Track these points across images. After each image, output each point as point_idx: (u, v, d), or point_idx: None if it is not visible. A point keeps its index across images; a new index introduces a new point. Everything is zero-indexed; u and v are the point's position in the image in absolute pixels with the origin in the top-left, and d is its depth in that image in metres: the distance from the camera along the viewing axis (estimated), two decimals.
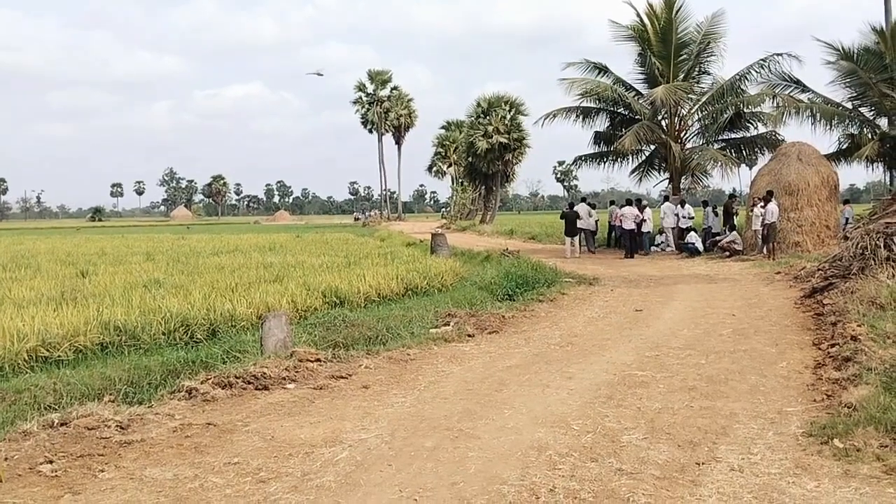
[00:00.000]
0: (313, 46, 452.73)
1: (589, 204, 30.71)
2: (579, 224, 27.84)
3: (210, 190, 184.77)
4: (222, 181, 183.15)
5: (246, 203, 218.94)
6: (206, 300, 13.03)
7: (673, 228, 28.84)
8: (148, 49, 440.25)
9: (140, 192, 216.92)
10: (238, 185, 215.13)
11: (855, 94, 28.47)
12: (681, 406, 7.20)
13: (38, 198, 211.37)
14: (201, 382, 8.01)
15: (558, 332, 11.75)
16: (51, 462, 5.72)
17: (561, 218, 29.55)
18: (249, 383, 8.11)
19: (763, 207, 22.65)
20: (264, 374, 8.30)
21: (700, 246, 26.12)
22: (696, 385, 8.03)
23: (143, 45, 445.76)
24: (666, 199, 30.85)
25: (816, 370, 8.47)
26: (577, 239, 27.83)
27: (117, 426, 6.56)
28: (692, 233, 26.94)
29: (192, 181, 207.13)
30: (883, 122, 28.40)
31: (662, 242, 29.08)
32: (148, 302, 12.89)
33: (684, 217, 28.55)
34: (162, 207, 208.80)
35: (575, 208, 28.37)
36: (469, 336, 11.26)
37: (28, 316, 11.28)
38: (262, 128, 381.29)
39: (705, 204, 29.96)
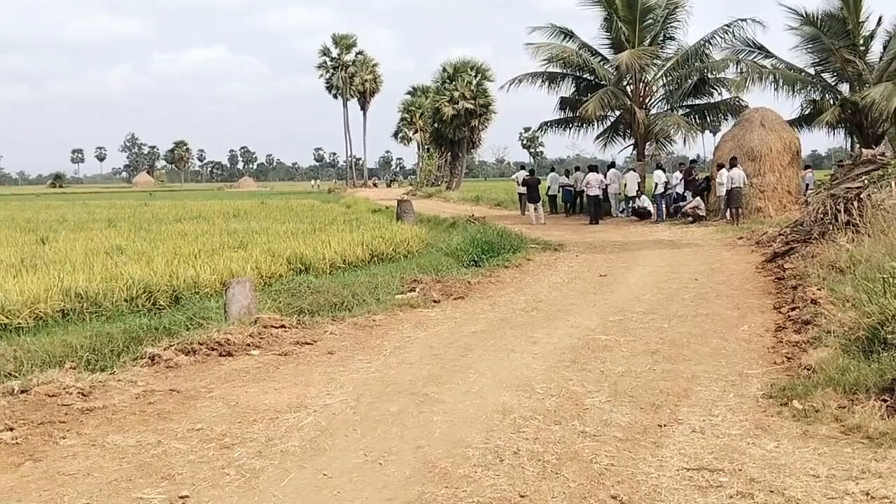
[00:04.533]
0: (275, 10, 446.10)
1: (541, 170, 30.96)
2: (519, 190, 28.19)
3: (172, 156, 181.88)
4: (185, 147, 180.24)
5: (209, 169, 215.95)
6: (169, 267, 12.92)
7: (617, 194, 29.36)
8: (105, 11, 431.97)
9: (101, 158, 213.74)
10: (201, 150, 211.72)
11: (818, 60, 28.71)
12: (643, 369, 7.27)
13: None
14: (164, 349, 7.95)
15: (523, 297, 11.79)
16: (11, 429, 5.65)
17: (522, 185, 29.76)
18: (213, 350, 8.06)
19: (728, 172, 22.85)
20: (228, 340, 8.25)
21: (651, 208, 26.53)
22: (658, 349, 8.10)
23: (99, 7, 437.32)
24: (612, 165, 31.06)
25: (777, 333, 8.59)
26: (540, 205, 27.96)
27: (79, 393, 6.50)
28: (643, 196, 27.30)
29: (154, 147, 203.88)
30: (845, 88, 28.68)
31: (627, 208, 29.33)
32: (110, 268, 12.76)
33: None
34: (124, 174, 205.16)
35: (514, 176, 28.68)
36: (435, 302, 11.26)
37: None
38: (225, 93, 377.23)
39: (662, 169, 30.05)
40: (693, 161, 31.02)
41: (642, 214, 26.68)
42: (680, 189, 27.62)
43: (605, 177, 29.00)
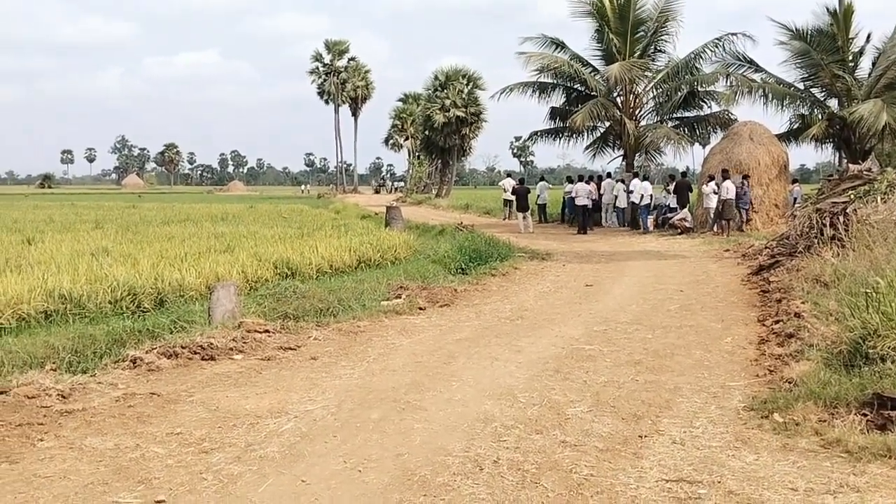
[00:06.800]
0: (268, 16, 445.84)
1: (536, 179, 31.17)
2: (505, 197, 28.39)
3: (163, 158, 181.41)
4: (175, 150, 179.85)
5: (199, 172, 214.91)
6: (155, 269, 12.86)
7: (608, 204, 29.70)
8: (97, 13, 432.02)
9: (91, 160, 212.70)
10: (192, 154, 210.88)
11: (807, 75, 28.76)
12: (626, 380, 7.28)
13: None
14: (146, 352, 7.91)
15: (509, 305, 11.79)
16: None
17: (512, 194, 29.89)
18: (196, 353, 8.02)
19: (717, 185, 22.95)
20: (211, 344, 8.22)
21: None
22: (641, 359, 8.11)
23: (92, 10, 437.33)
24: (608, 175, 31.24)
25: (760, 346, 8.62)
26: (529, 214, 28.01)
27: (59, 395, 6.46)
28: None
29: (144, 149, 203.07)
30: (833, 103, 28.77)
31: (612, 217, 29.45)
32: (95, 270, 12.68)
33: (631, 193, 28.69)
34: (113, 175, 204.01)
35: (501, 183, 28.92)
36: (420, 309, 11.24)
37: None
38: (217, 97, 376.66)
39: (647, 180, 30.09)
40: (683, 174, 31.06)
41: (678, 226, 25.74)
42: (671, 202, 27.55)
43: (599, 187, 29.13)
